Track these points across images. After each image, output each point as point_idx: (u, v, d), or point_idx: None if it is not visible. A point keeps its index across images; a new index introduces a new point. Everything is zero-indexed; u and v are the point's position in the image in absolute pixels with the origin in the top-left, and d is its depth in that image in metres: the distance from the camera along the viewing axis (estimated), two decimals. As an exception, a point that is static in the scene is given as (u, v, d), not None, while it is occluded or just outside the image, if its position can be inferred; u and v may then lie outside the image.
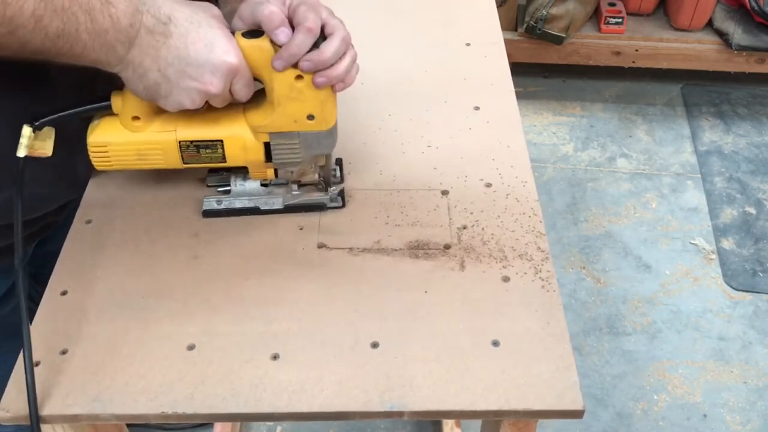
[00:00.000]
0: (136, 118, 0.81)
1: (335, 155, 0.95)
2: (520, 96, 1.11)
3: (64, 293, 0.82)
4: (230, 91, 0.77)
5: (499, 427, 0.81)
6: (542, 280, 0.85)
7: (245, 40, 0.76)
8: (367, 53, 1.19)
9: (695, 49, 2.39)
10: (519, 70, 1.29)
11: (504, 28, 1.27)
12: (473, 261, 0.87)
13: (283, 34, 0.75)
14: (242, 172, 0.91)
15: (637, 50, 2.41)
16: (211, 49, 0.74)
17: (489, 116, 1.06)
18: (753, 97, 2.56)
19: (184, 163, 0.84)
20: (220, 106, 0.80)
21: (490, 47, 1.20)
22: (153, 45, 0.72)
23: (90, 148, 0.82)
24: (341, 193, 0.93)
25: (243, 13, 0.78)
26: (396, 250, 0.88)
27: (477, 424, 1.06)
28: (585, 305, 1.92)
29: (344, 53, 0.80)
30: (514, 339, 0.78)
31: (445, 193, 0.95)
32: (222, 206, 0.91)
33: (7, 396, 0.73)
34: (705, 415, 1.69)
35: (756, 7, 2.25)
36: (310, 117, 0.81)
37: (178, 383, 0.74)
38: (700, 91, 2.58)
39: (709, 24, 2.40)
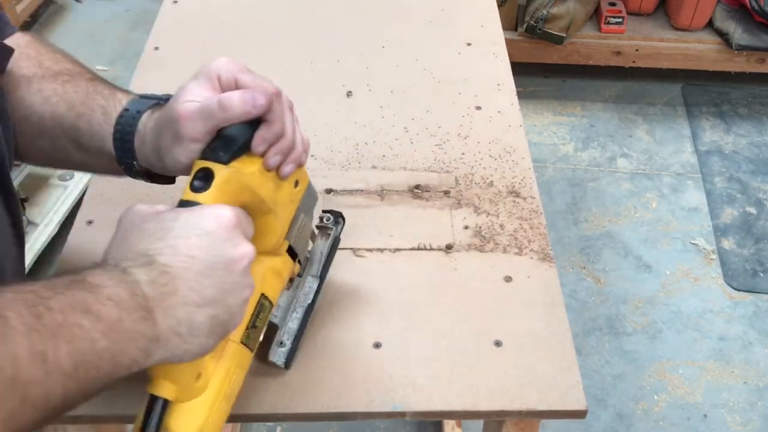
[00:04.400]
0: (197, 377, 0.62)
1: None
2: (520, 96, 1.11)
3: (65, 293, 0.82)
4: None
5: (502, 428, 0.81)
6: (544, 279, 0.85)
7: (227, 168, 0.61)
8: (368, 53, 1.19)
9: (695, 48, 2.39)
10: (519, 70, 1.29)
11: (504, 27, 1.27)
12: (475, 261, 0.87)
13: (275, 159, 0.64)
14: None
15: (637, 50, 2.40)
16: (223, 250, 0.59)
17: (491, 116, 1.06)
18: (753, 96, 2.56)
19: (254, 349, 0.68)
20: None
21: (491, 47, 1.20)
22: (166, 293, 0.57)
23: None
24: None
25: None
26: (398, 250, 0.88)
27: (478, 424, 1.06)
28: (585, 305, 1.91)
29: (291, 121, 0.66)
30: (517, 339, 0.78)
31: (447, 193, 0.95)
32: (288, 345, 0.75)
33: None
34: (705, 416, 1.69)
35: (756, 7, 2.25)
36: (296, 184, 0.69)
37: (180, 383, 0.74)
38: (700, 90, 2.57)
39: (710, 24, 2.40)
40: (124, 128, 0.70)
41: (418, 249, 0.88)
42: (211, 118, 0.63)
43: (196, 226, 0.58)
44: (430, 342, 0.78)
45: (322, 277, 0.78)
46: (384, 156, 1.00)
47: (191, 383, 0.61)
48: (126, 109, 0.71)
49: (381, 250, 0.88)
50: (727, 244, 2.07)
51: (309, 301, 0.76)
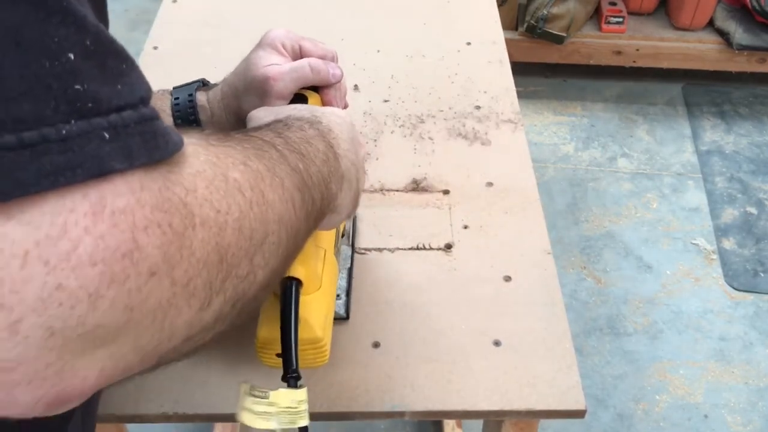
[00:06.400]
0: (323, 259, 0.68)
1: None
2: (520, 96, 1.11)
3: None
4: None
5: (501, 428, 0.80)
6: (544, 279, 0.84)
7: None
8: (367, 52, 1.19)
9: (696, 48, 2.39)
10: (519, 69, 1.29)
11: (504, 27, 1.27)
12: (475, 260, 0.86)
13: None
14: None
15: (637, 50, 2.40)
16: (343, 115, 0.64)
17: (490, 115, 1.06)
18: (754, 96, 2.56)
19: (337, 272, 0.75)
20: None
21: (491, 46, 1.19)
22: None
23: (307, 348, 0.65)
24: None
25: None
26: (397, 249, 0.88)
27: (479, 424, 1.06)
28: (586, 305, 1.91)
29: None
30: (516, 339, 0.78)
31: (446, 192, 0.95)
32: (344, 298, 0.82)
33: None
34: (706, 416, 1.68)
35: (757, 7, 2.25)
36: None
37: (179, 383, 0.74)
38: (701, 90, 2.57)
39: (710, 23, 2.40)
40: (184, 111, 0.77)
41: (418, 248, 0.88)
42: (302, 78, 0.72)
43: (331, 110, 0.63)
44: (429, 341, 0.78)
45: (353, 245, 0.87)
46: (383, 155, 1.00)
47: (317, 267, 0.66)
48: (176, 98, 0.78)
49: (380, 249, 0.87)
50: (728, 244, 2.06)
51: (349, 265, 0.85)
